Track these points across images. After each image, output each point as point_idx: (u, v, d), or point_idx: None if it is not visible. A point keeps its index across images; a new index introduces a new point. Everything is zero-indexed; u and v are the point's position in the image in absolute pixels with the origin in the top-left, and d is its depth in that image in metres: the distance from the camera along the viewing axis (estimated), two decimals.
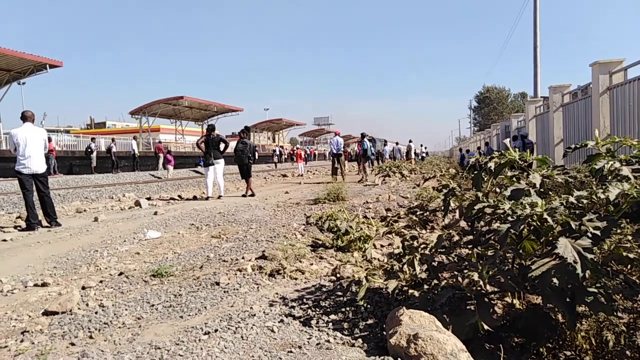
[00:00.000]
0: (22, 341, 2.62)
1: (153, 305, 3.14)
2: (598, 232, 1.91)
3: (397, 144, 31.99)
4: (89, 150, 22.72)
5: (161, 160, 24.13)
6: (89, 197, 12.85)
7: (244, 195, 10.85)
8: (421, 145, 41.18)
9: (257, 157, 12.81)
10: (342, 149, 16.50)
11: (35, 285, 3.84)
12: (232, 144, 10.96)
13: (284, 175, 23.37)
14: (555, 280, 1.92)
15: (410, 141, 29.97)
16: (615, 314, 2.06)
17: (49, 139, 9.05)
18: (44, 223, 6.92)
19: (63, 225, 6.91)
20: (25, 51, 20.52)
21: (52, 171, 18.03)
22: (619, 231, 2.15)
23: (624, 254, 2.09)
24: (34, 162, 6.74)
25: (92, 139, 24.94)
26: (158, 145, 26.12)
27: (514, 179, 2.71)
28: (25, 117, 6.91)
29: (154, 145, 27.60)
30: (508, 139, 3.47)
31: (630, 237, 2.14)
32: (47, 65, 21.88)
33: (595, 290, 1.98)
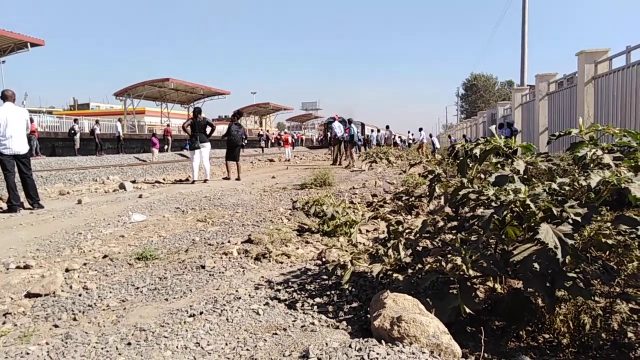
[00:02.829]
0: (4, 323, 2.59)
1: (138, 288, 3.13)
2: (579, 219, 1.95)
3: (379, 130, 31.86)
4: (73, 131, 22.28)
5: (169, 145, 23.96)
6: (72, 180, 12.65)
7: (227, 178, 10.89)
8: (408, 132, 41.34)
9: (246, 142, 12.87)
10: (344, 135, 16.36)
11: (18, 267, 3.78)
12: (219, 128, 10.93)
13: (271, 160, 23.27)
14: (536, 265, 1.96)
15: (387, 127, 29.78)
16: (592, 298, 2.11)
17: (31, 120, 8.85)
18: (26, 205, 6.81)
19: (46, 208, 6.80)
20: (6, 28, 19.88)
21: (34, 152, 17.68)
22: (599, 218, 2.19)
23: (603, 240, 2.14)
24: (16, 143, 6.59)
25: (75, 120, 24.48)
26: (166, 128, 26.00)
27: (499, 165, 2.74)
28: (5, 97, 6.72)
29: (162, 129, 27.56)
30: (494, 126, 3.49)
31: (609, 224, 2.18)
32: (28, 44, 21.26)
33: (575, 275, 2.02)
